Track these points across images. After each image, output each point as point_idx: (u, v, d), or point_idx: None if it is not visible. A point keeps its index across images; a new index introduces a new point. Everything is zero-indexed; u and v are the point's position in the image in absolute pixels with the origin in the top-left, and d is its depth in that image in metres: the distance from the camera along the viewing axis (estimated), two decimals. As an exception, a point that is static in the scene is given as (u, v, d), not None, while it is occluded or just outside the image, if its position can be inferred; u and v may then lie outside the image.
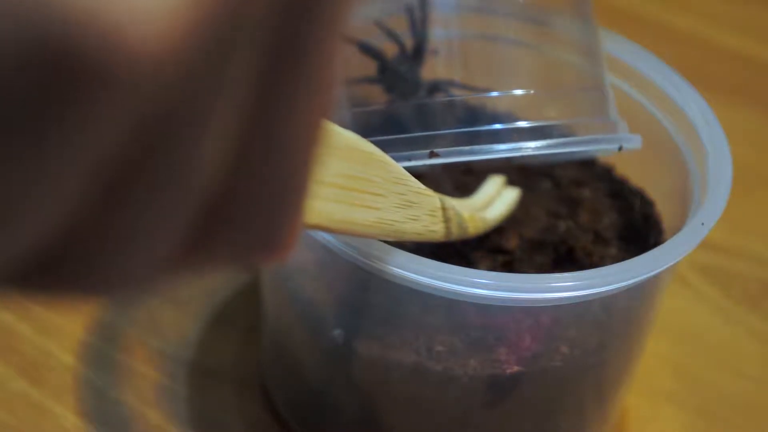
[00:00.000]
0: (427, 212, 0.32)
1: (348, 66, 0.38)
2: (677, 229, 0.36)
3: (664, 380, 0.45)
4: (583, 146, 0.37)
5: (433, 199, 0.33)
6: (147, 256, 0.17)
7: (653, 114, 0.41)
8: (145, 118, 0.15)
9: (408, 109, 0.37)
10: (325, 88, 0.19)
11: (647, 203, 0.42)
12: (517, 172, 0.43)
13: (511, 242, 0.40)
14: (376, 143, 0.29)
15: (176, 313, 0.45)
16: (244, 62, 0.17)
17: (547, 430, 0.39)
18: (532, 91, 0.37)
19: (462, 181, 0.42)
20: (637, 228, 0.41)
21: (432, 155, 0.34)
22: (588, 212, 0.42)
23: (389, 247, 0.33)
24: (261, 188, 0.19)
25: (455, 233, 0.34)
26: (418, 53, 0.38)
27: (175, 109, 0.16)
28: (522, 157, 0.36)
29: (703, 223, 0.35)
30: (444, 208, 0.33)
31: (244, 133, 0.18)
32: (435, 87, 0.37)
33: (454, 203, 0.35)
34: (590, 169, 0.44)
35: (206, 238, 0.18)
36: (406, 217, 0.31)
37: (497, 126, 0.35)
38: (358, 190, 0.28)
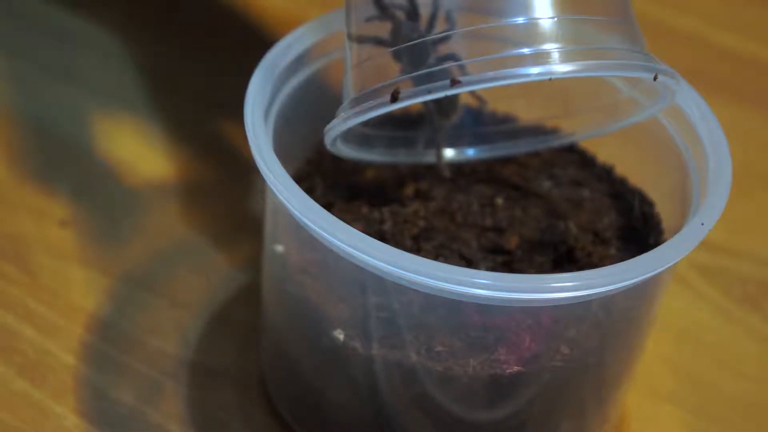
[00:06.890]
0: None
1: (360, 25, 0.36)
2: (677, 229, 0.36)
3: (664, 380, 0.45)
4: (617, 71, 0.34)
5: None
6: None
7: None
8: None
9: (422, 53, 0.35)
10: None
11: (647, 203, 0.42)
12: (516, 171, 0.43)
13: (511, 242, 0.40)
14: (393, 82, 0.26)
15: (176, 313, 0.45)
16: None
17: (547, 430, 0.39)
18: (556, 18, 0.33)
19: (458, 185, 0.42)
20: (637, 228, 0.41)
21: (454, 84, 0.32)
22: (588, 212, 0.42)
23: (389, 247, 0.33)
24: None
25: None
26: (431, 23, 0.36)
27: None
28: (551, 81, 0.33)
29: (703, 223, 0.35)
30: None
31: None
32: (446, 58, 0.35)
33: None
34: (590, 169, 0.44)
35: None
36: None
37: (525, 50, 0.33)
38: None
